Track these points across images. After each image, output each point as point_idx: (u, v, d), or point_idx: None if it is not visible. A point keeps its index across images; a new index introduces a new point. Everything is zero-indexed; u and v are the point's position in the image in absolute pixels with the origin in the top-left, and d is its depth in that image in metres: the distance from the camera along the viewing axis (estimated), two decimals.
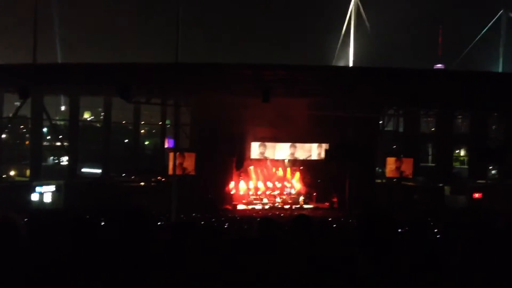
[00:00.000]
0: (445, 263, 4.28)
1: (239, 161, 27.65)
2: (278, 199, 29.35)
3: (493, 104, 28.31)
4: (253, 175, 30.04)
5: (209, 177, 26.69)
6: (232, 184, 29.22)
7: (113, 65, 25.63)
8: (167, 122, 37.72)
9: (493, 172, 37.22)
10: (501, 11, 50.12)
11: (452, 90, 23.92)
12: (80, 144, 33.02)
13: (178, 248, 4.45)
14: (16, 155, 38.20)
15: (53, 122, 35.93)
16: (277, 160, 29.95)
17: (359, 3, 50.07)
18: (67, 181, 28.14)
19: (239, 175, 29.29)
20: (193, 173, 25.95)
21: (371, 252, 3.10)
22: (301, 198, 29.29)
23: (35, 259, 3.50)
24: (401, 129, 34.33)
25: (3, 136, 39.69)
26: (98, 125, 43.65)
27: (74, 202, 24.58)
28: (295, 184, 30.58)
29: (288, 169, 30.69)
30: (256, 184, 30.05)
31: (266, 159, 29.56)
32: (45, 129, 35.96)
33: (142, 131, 45.28)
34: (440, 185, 29.38)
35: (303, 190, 30.08)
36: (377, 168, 31.56)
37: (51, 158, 42.23)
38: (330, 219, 18.22)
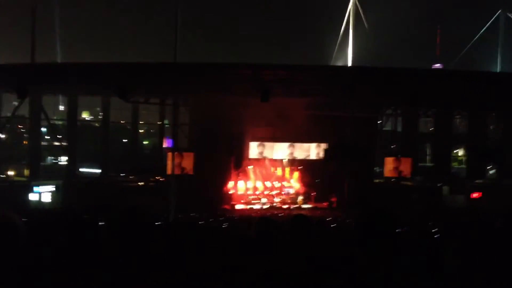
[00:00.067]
0: (444, 263, 4.28)
1: (237, 160, 27.66)
2: (276, 199, 29.37)
3: (492, 103, 28.35)
4: (251, 175, 30.04)
5: (207, 177, 26.67)
6: (230, 184, 29.22)
7: (112, 65, 25.63)
8: (166, 122, 37.70)
9: (491, 172, 37.26)
10: (499, 11, 50.18)
11: (450, 89, 23.95)
12: (78, 144, 32.98)
13: (176, 248, 4.45)
14: (15, 155, 38.13)
15: (52, 122, 35.89)
16: (276, 160, 29.96)
17: (357, 3, 50.08)
18: (65, 181, 28.12)
19: (238, 175, 29.29)
20: (191, 173, 25.95)
21: (370, 252, 3.11)
22: (300, 198, 29.31)
23: (34, 259, 3.50)
24: (399, 129, 34.36)
25: (2, 136, 39.64)
26: (96, 125, 43.61)
27: (73, 202, 24.57)
28: (294, 184, 30.60)
29: (287, 169, 30.70)
30: (255, 183, 30.07)
31: (264, 158, 29.57)
32: (43, 129, 35.91)
33: (141, 131, 45.22)
34: (439, 185, 29.41)
35: (301, 190, 30.10)
36: (375, 168, 31.58)
37: (50, 158, 42.18)
38: (328, 219, 18.23)
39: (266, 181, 30.33)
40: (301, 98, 25.19)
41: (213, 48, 69.44)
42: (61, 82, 26.02)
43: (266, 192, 29.86)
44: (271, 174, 30.62)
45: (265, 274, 3.84)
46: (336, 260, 3.72)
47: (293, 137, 28.32)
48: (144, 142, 49.91)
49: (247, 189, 29.79)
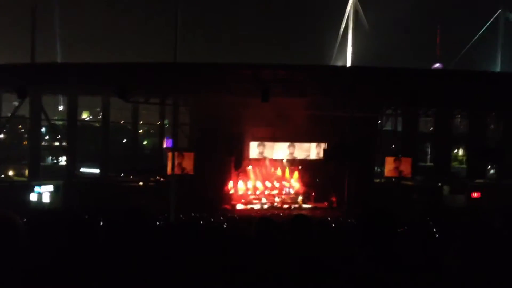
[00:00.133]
0: (444, 263, 4.28)
1: (237, 160, 27.65)
2: (276, 199, 29.35)
3: (491, 103, 28.34)
4: (251, 175, 30.04)
5: (208, 177, 26.67)
6: (231, 184, 29.22)
7: (112, 65, 25.66)
8: (166, 122, 37.70)
9: (491, 171, 37.26)
10: (499, 10, 50.17)
11: (450, 89, 23.96)
12: (78, 144, 32.97)
13: (176, 248, 4.45)
14: (15, 155, 38.13)
15: (52, 122, 35.90)
16: (276, 160, 29.95)
17: (357, 2, 50.07)
18: (65, 181, 28.12)
19: (238, 175, 29.29)
20: (191, 173, 25.95)
21: (371, 252, 3.10)
22: (300, 198, 29.29)
23: (34, 259, 3.50)
24: (399, 129, 34.36)
25: (2, 136, 39.65)
26: (96, 125, 43.62)
27: (73, 202, 24.56)
28: (294, 183, 30.59)
29: (287, 169, 30.70)
30: (255, 183, 30.06)
31: (265, 158, 29.56)
32: (43, 129, 35.93)
33: (141, 131, 45.23)
34: (439, 184, 29.41)
35: (301, 190, 30.10)
36: (376, 168, 31.57)
37: (50, 158, 42.20)
38: (329, 218, 18.24)
39: (266, 181, 30.32)
40: (301, 98, 25.19)
41: (213, 48, 69.44)
42: (61, 82, 26.03)
43: (266, 192, 29.86)
44: (271, 174, 30.62)
45: (265, 274, 3.84)
46: (336, 260, 3.72)
47: (293, 137, 28.31)
48: (144, 142, 49.93)
49: (247, 189, 29.79)
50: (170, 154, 25.28)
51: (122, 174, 32.60)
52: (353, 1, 49.77)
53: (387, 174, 28.17)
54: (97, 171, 33.66)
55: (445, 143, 32.97)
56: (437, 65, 56.43)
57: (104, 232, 4.22)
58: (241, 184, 29.68)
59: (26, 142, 38.19)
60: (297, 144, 28.93)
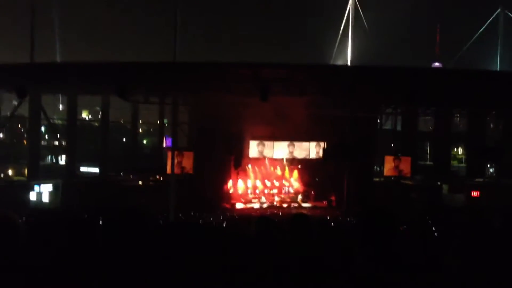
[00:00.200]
0: (443, 262, 4.28)
1: (237, 159, 27.66)
2: (276, 198, 29.37)
3: (491, 102, 28.33)
4: (251, 174, 30.04)
5: (207, 176, 26.67)
6: (230, 183, 29.22)
7: (111, 64, 25.61)
8: (165, 121, 37.70)
9: (491, 170, 37.28)
10: (499, 9, 50.14)
11: (450, 88, 23.95)
12: (78, 144, 32.97)
13: (176, 247, 4.45)
14: (14, 154, 38.13)
15: (51, 121, 35.88)
16: (276, 159, 29.95)
17: (356, 2, 50.05)
18: (65, 180, 28.11)
19: (238, 174, 29.29)
20: (191, 172, 25.96)
21: (371, 251, 3.10)
22: (299, 197, 29.31)
23: (34, 259, 3.50)
24: (399, 128, 34.36)
25: (1, 135, 39.63)
26: (96, 124, 43.62)
27: (72, 201, 24.55)
28: (294, 182, 30.60)
29: (286, 168, 30.70)
30: (255, 183, 30.07)
31: (264, 158, 29.56)
32: (43, 128, 35.92)
33: (140, 130, 45.23)
34: (438, 183, 29.41)
35: (301, 189, 30.11)
36: (375, 167, 31.58)
37: (49, 157, 42.19)
38: (328, 217, 18.25)
39: (266, 180, 30.33)
40: (301, 97, 25.17)
41: (213, 48, 69.44)
42: (61, 81, 26.01)
43: (265, 191, 29.87)
44: (270, 173, 30.62)
45: (264, 273, 3.84)
46: (336, 260, 3.72)
47: (293, 136, 28.31)
48: (144, 142, 49.94)
49: (246, 188, 29.80)
50: (169, 153, 25.31)
51: (122, 174, 32.60)
52: (352, 0, 49.74)
53: (387, 173, 28.20)
54: (96, 170, 33.66)
55: (444, 142, 32.98)
56: (436, 64, 56.42)
57: (103, 231, 4.22)
58: (240, 183, 29.69)
59: (25, 142, 38.18)
60: (296, 143, 28.92)
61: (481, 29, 51.01)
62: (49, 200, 26.14)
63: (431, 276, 3.54)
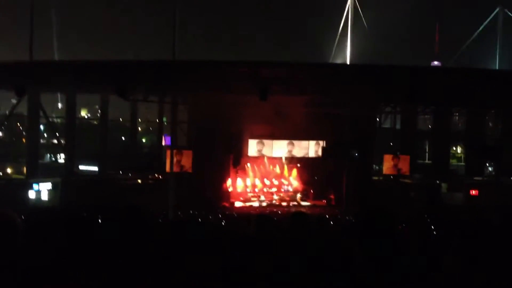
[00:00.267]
0: (442, 260, 4.29)
1: (236, 158, 27.66)
2: (275, 197, 29.38)
3: (490, 101, 28.36)
4: (250, 173, 30.05)
5: (206, 175, 26.66)
6: (229, 182, 29.22)
7: (111, 63, 25.59)
8: (164, 119, 37.68)
9: (490, 169, 37.31)
10: (498, 8, 50.16)
11: (449, 87, 23.96)
12: (77, 142, 32.94)
13: (175, 246, 4.45)
14: (13, 153, 38.10)
15: (50, 119, 35.84)
16: (275, 158, 29.96)
17: (356, 1, 50.04)
18: (64, 178, 28.09)
19: (237, 173, 29.30)
20: (190, 170, 25.95)
21: (370, 249, 3.10)
22: (298, 196, 29.32)
23: (33, 257, 3.50)
24: (398, 126, 34.37)
25: (0, 133, 39.61)
26: (95, 122, 43.59)
27: (71, 200, 24.55)
28: (293, 181, 30.61)
29: (285, 167, 30.71)
30: (254, 181, 30.08)
31: (263, 156, 29.56)
32: (42, 127, 35.88)
33: (139, 128, 45.21)
34: (437, 182, 29.43)
35: (300, 188, 30.12)
36: (374, 165, 31.59)
37: (48, 155, 42.16)
38: (327, 216, 18.22)
39: (265, 178, 30.34)
40: (300, 96, 25.18)
41: (213, 48, 69.41)
42: (60, 80, 25.97)
43: (265, 190, 29.88)
44: (270, 171, 30.63)
45: (264, 272, 3.84)
46: (335, 258, 3.72)
47: (292, 135, 28.31)
48: (143, 140, 49.92)
49: (246, 187, 29.81)
50: (168, 152, 25.31)
51: (121, 172, 32.58)
52: None
53: (386, 171, 28.22)
54: (95, 169, 33.64)
55: (443, 140, 32.98)
56: (435, 63, 56.45)
57: (102, 230, 4.21)
58: (239, 182, 29.69)
59: (24, 140, 38.15)
60: (295, 142, 28.92)
61: (480, 28, 51.07)
62: (48, 199, 26.12)
63: (430, 275, 3.55)
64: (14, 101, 30.41)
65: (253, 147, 28.56)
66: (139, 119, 40.54)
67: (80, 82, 26.60)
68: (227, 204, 27.62)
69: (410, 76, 23.61)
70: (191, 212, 21.80)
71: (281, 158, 30.19)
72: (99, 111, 35.62)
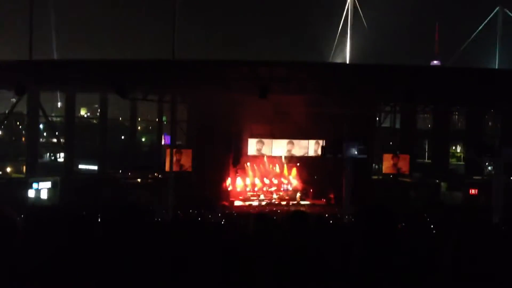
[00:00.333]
0: (442, 260, 4.29)
1: (236, 157, 27.66)
2: (275, 196, 29.39)
3: (490, 100, 28.37)
4: (250, 172, 30.05)
5: (206, 174, 26.67)
6: (229, 181, 29.23)
7: (110, 62, 25.55)
8: (164, 118, 37.67)
9: (489, 168, 37.32)
10: (498, 8, 50.12)
11: (448, 86, 23.96)
12: (76, 141, 32.93)
13: (175, 245, 4.45)
14: (13, 152, 38.07)
15: (49, 118, 35.82)
16: (274, 157, 29.96)
17: (355, 0, 49.98)
18: (63, 177, 28.09)
19: (236, 172, 29.31)
20: (190, 169, 25.96)
21: (369, 248, 3.11)
22: (298, 195, 29.32)
23: (32, 256, 3.50)
24: (397, 126, 34.38)
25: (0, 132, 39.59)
26: (94, 121, 43.57)
27: (71, 199, 24.55)
28: (292, 180, 30.60)
29: (285, 166, 30.71)
30: (253, 180, 30.08)
31: (263, 155, 29.57)
32: (41, 126, 35.86)
33: (139, 127, 45.19)
34: (437, 181, 29.45)
35: (300, 187, 30.12)
36: (374, 165, 31.61)
37: (48, 154, 42.14)
38: (327, 215, 18.26)
39: (265, 177, 30.34)
40: (299, 95, 25.18)
41: (213, 48, 69.37)
42: (59, 79, 25.95)
43: (264, 189, 29.89)
44: (269, 171, 30.63)
45: (263, 271, 3.84)
46: (335, 256, 3.72)
47: (292, 134, 28.31)
48: (142, 139, 49.91)
49: (245, 186, 29.81)
50: (168, 151, 25.31)
51: (120, 171, 32.58)
52: None
53: (385, 171, 28.22)
54: (95, 168, 33.64)
55: (443, 140, 33.01)
56: (435, 62, 56.45)
57: (101, 228, 4.22)
58: (239, 181, 29.70)
59: (24, 139, 38.13)
60: (295, 141, 28.93)
61: (480, 28, 50.99)
62: (48, 198, 26.14)
63: (430, 273, 3.55)
64: (13, 100, 30.39)
65: (252, 146, 28.57)
66: (139, 118, 40.51)
67: (79, 81, 26.60)
68: (226, 203, 27.62)
69: (410, 75, 23.59)
70: (190, 211, 21.83)
71: (280, 157, 30.19)
72: (99, 110, 35.60)
